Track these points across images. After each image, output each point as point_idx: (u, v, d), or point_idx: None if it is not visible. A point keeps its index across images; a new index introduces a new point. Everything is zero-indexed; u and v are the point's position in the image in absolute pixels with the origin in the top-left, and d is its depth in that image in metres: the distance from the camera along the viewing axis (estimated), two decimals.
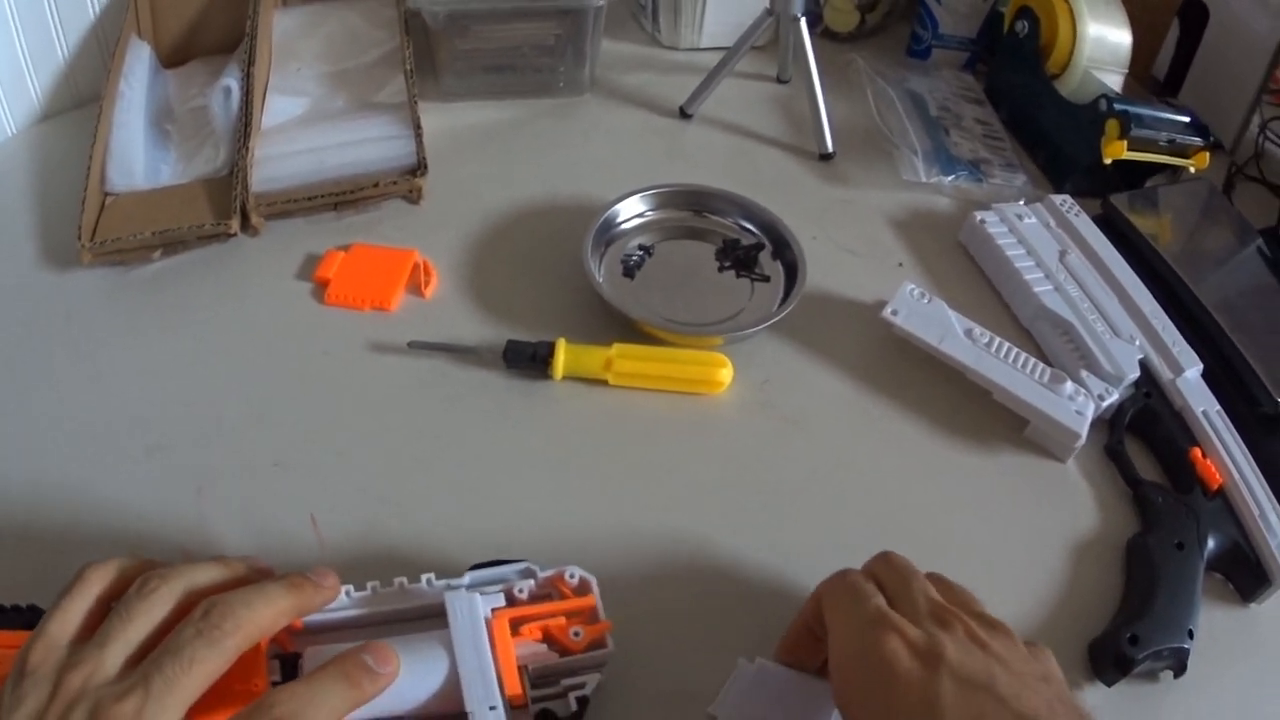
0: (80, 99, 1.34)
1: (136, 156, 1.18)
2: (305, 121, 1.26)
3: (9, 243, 1.12)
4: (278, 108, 1.26)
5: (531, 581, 0.69)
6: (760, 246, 1.08)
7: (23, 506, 0.85)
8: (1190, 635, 0.76)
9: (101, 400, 0.94)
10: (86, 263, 1.06)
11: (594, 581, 0.65)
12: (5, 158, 1.25)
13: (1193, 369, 0.94)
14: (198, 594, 0.60)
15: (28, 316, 1.03)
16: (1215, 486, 0.86)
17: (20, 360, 0.98)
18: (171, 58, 1.38)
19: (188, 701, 0.54)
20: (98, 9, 1.31)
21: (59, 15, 1.28)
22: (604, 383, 0.95)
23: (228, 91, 1.22)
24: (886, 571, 0.68)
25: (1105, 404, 0.91)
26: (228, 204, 1.11)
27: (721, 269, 1.06)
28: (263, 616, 0.59)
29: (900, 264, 1.10)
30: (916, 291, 0.96)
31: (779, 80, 1.38)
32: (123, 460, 0.87)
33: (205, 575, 0.62)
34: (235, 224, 1.09)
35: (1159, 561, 0.80)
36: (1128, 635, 0.75)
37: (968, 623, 0.62)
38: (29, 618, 0.68)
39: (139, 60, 1.29)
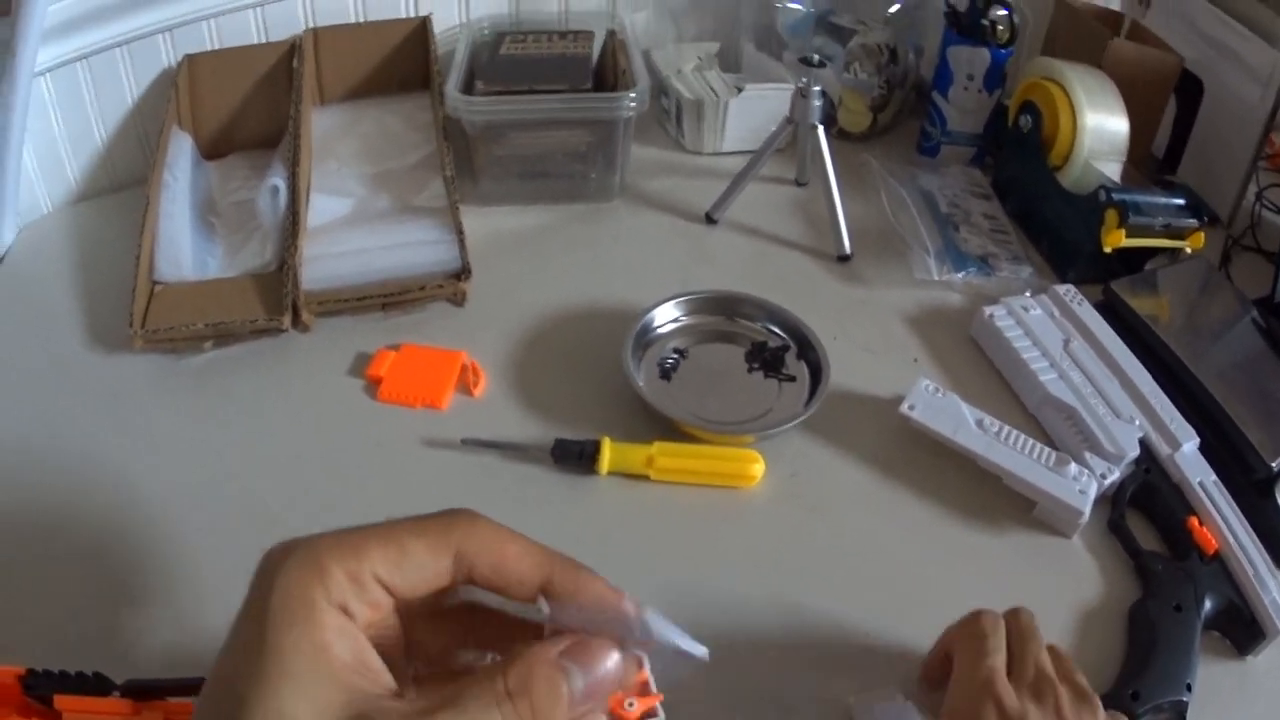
0: (118, 183, 1.38)
1: (184, 248, 1.22)
2: (350, 222, 1.29)
3: (54, 320, 1.17)
4: (322, 207, 1.29)
5: None
6: (786, 348, 1.13)
7: (77, 576, 0.89)
8: (1189, 688, 0.82)
9: (155, 480, 0.97)
10: (138, 348, 1.10)
11: (645, 657, 0.64)
12: (40, 235, 1.29)
13: (1189, 443, 0.99)
14: None
15: (77, 393, 1.07)
16: (1211, 551, 0.91)
17: (68, 435, 1.03)
18: (210, 149, 1.41)
19: None
20: (136, 97, 1.35)
21: (97, 100, 1.32)
22: (645, 478, 0.99)
23: (275, 190, 1.24)
24: (1015, 626, 0.76)
25: (1107, 482, 0.96)
26: (279, 300, 1.15)
27: (751, 370, 1.11)
28: None
29: (915, 359, 1.15)
30: (931, 387, 1.01)
31: (797, 183, 1.44)
32: (176, 539, 0.91)
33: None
34: (287, 320, 1.13)
35: (1158, 623, 0.85)
36: (1130, 692, 0.80)
37: (1060, 697, 0.70)
38: (95, 684, 0.71)
39: (181, 151, 1.32)
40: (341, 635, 0.49)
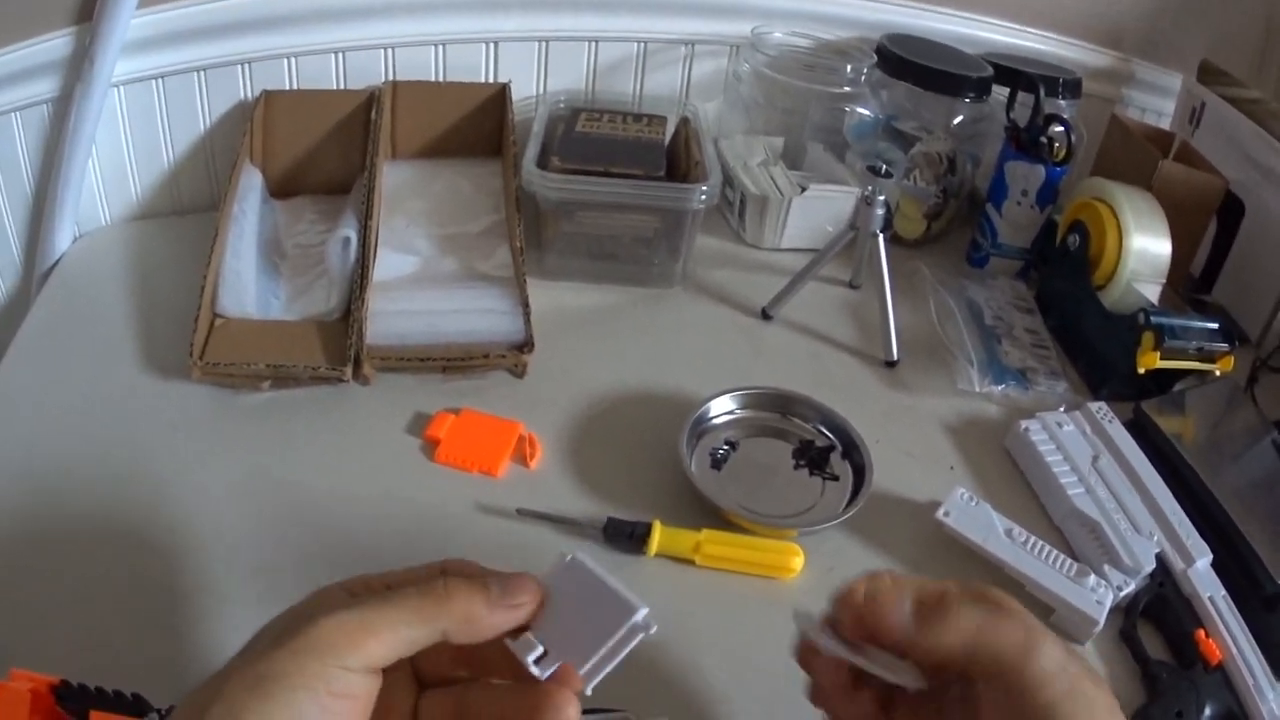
0: (181, 207, 1.42)
1: (248, 286, 1.24)
2: (416, 281, 1.32)
3: (106, 337, 1.21)
4: (389, 262, 1.31)
5: None
6: (833, 448, 1.16)
7: (120, 598, 0.91)
8: None
9: (204, 512, 1.00)
10: (194, 378, 1.13)
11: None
12: (97, 245, 1.33)
13: (1203, 559, 1.04)
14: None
15: (131, 417, 1.10)
16: (1215, 661, 0.95)
17: (121, 459, 1.05)
18: (279, 188, 1.45)
19: None
20: (209, 124, 1.39)
21: (170, 121, 1.36)
22: (691, 562, 1.02)
23: (346, 241, 1.27)
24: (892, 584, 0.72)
25: (1123, 594, 1.00)
26: (341, 350, 1.17)
27: (797, 466, 1.15)
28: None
29: (951, 467, 1.18)
30: (966, 495, 1.05)
31: (851, 285, 1.49)
32: (222, 572, 0.94)
33: None
34: (349, 371, 1.15)
35: None
36: None
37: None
38: (133, 705, 0.73)
39: (251, 187, 1.36)
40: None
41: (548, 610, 0.64)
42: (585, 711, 0.68)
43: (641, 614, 0.63)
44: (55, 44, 1.26)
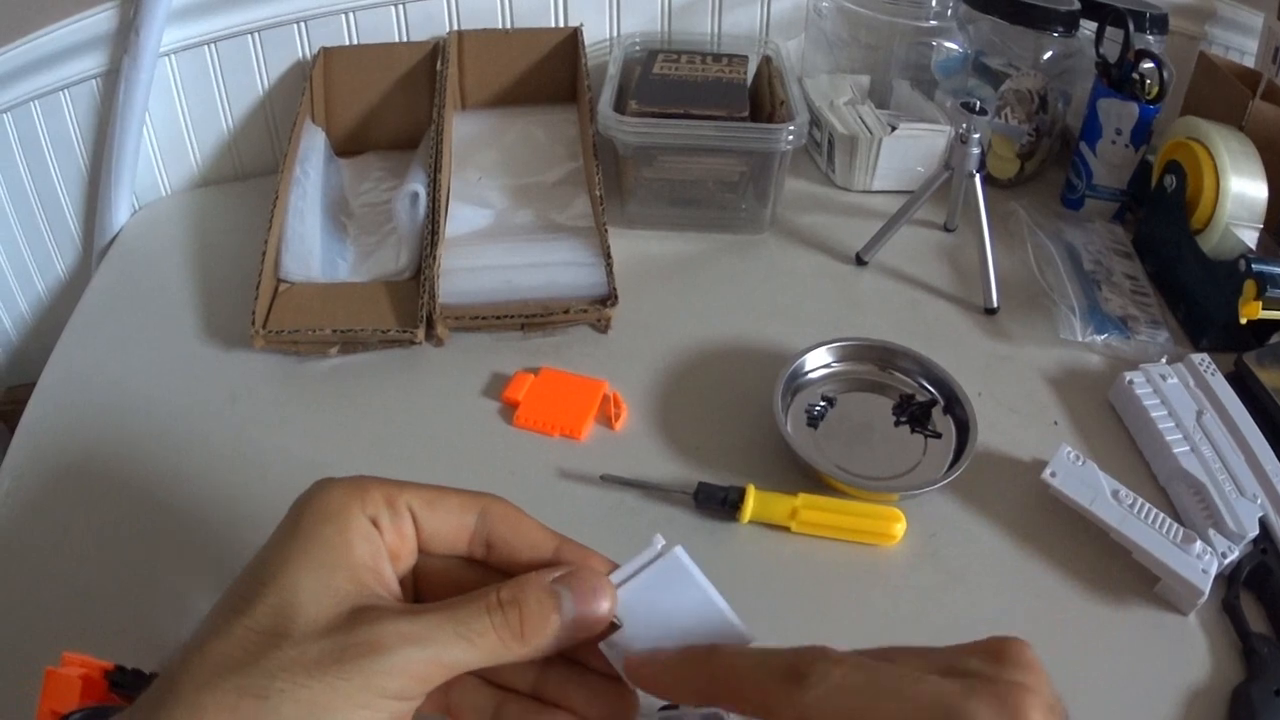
0: (242, 171, 1.42)
1: (313, 248, 1.23)
2: (490, 235, 1.30)
3: (167, 308, 1.20)
4: (461, 217, 1.30)
5: None
6: (934, 403, 1.13)
7: (178, 577, 0.91)
8: None
9: (268, 486, 1.00)
10: (258, 347, 1.11)
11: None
12: (159, 217, 1.33)
13: None
14: None
15: (191, 389, 1.10)
16: None
17: (181, 433, 1.05)
18: (343, 146, 1.44)
19: None
20: (267, 86, 1.39)
21: (225, 83, 1.36)
22: (786, 529, 0.99)
23: (415, 197, 1.26)
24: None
25: (1226, 561, 0.97)
26: (413, 311, 1.15)
27: (897, 423, 1.12)
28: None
29: (1055, 422, 1.14)
30: (1073, 454, 1.01)
31: (945, 228, 1.47)
32: None
33: None
34: (421, 333, 1.13)
35: (1259, 707, 0.86)
36: None
37: None
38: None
39: (314, 148, 1.34)
40: (366, 539, 0.56)
41: (631, 607, 0.60)
42: (664, 707, 0.68)
43: (751, 642, 0.60)
44: (99, 19, 1.27)
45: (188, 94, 1.37)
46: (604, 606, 0.58)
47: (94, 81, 1.30)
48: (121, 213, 1.35)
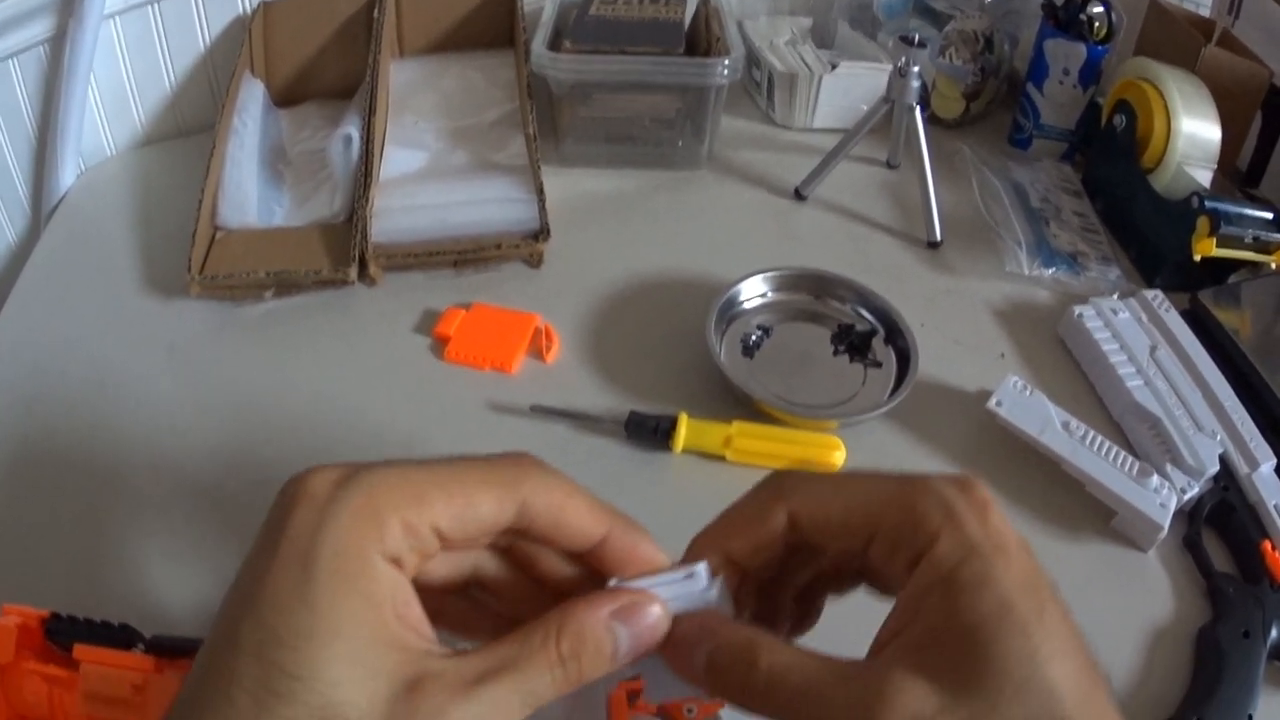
0: (184, 128, 1.39)
1: (250, 194, 1.22)
2: (424, 176, 1.28)
3: (111, 264, 1.18)
4: (396, 159, 1.28)
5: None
6: (874, 333, 1.11)
7: (119, 524, 0.89)
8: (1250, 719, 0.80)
9: (207, 430, 0.98)
10: (194, 295, 1.11)
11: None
12: (104, 177, 1.30)
13: (1268, 463, 0.98)
14: None
15: (131, 341, 1.08)
16: None
17: (120, 384, 1.03)
18: (284, 97, 1.41)
19: None
20: (209, 41, 1.35)
21: (168, 43, 1.32)
22: (721, 458, 0.97)
23: (348, 140, 1.24)
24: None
25: (1186, 496, 0.94)
26: (345, 252, 1.14)
27: (836, 353, 1.10)
28: None
29: (1002, 355, 1.13)
30: (1020, 384, 1.00)
31: (888, 164, 1.43)
32: (226, 493, 0.91)
33: None
34: (353, 272, 1.12)
35: (1226, 650, 0.83)
36: (1194, 718, 0.79)
37: None
38: (121, 635, 0.71)
39: (252, 98, 1.32)
40: (392, 592, 0.48)
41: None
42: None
43: None
44: None
45: (131, 55, 1.33)
46: (657, 640, 0.54)
47: (41, 48, 1.26)
48: (68, 175, 1.32)
